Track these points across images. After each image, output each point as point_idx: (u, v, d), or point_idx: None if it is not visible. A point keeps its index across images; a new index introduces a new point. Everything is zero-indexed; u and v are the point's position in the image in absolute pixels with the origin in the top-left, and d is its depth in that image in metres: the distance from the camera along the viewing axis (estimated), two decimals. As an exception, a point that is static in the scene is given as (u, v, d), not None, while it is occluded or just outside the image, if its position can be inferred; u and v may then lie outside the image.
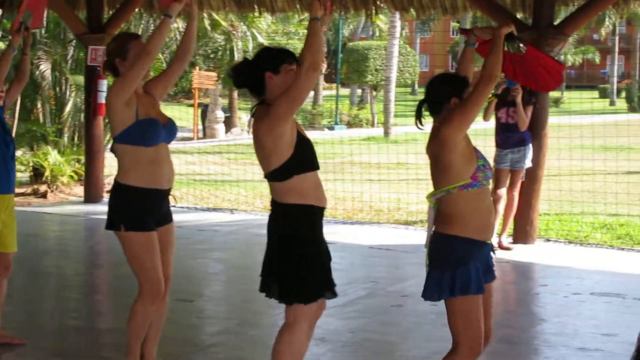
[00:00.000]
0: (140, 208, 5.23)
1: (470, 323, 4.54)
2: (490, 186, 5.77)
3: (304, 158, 4.77)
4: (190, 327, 7.06)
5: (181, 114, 28.46)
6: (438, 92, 4.70)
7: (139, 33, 18.75)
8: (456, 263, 4.51)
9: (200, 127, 33.55)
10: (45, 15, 6.49)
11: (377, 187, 16.64)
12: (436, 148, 4.59)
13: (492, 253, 4.77)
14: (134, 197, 5.21)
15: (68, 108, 16.26)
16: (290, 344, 4.81)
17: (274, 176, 4.74)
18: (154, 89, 5.43)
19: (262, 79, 4.75)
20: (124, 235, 5.23)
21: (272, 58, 4.80)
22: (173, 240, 5.53)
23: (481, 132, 9.93)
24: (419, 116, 4.82)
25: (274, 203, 4.84)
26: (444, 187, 4.58)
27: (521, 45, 5.39)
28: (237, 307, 7.93)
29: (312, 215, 4.80)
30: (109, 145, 5.41)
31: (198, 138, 32.05)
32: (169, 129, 5.35)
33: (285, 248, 4.76)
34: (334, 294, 4.87)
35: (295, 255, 4.75)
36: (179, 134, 25.72)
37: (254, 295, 8.21)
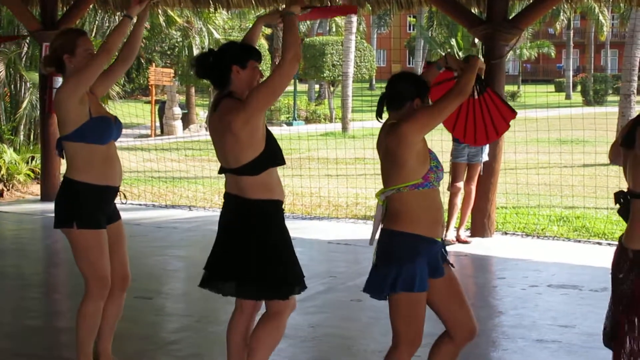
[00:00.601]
0: (93, 206, 5.21)
1: (411, 320, 4.56)
2: (444, 184, 5.72)
3: (274, 151, 4.82)
4: (149, 325, 7.04)
5: (138, 111, 28.28)
6: (403, 89, 4.68)
7: (94, 30, 18.64)
8: (403, 259, 4.51)
9: (157, 124, 33.41)
10: None
11: (335, 182, 16.68)
12: (393, 144, 4.57)
13: (443, 250, 4.76)
14: (87, 195, 5.18)
15: (24, 105, 16.13)
16: (274, 332, 4.90)
17: (247, 170, 4.73)
18: (95, 88, 5.38)
19: (229, 72, 4.78)
20: (75, 233, 5.19)
21: (241, 53, 4.84)
22: (125, 236, 5.52)
23: (438, 126, 9.96)
24: (380, 111, 4.81)
25: (236, 199, 4.81)
26: (394, 185, 4.57)
27: (483, 87, 5.38)
28: (196, 304, 7.90)
29: (279, 209, 4.87)
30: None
31: (155, 135, 31.92)
32: (118, 126, 5.35)
33: (260, 245, 4.77)
34: (304, 287, 4.96)
35: (271, 250, 4.78)
36: (137, 131, 25.60)
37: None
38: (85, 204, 5.18)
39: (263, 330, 4.89)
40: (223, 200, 4.99)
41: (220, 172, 4.94)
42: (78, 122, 5.11)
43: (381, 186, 4.70)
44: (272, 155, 4.79)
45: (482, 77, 5.33)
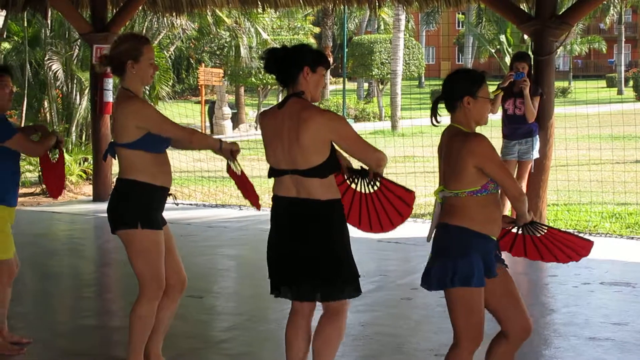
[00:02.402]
0: (152, 206, 5.23)
1: (470, 316, 4.54)
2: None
3: (335, 157, 4.89)
4: (200, 323, 7.09)
5: (188, 111, 28.43)
6: (452, 90, 4.66)
7: (143, 32, 18.78)
8: (457, 253, 4.51)
9: (207, 124, 33.58)
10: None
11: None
12: (454, 152, 4.55)
13: (497, 251, 4.74)
14: (147, 194, 5.20)
15: (83, 105, 16.32)
16: (338, 332, 4.95)
17: (316, 172, 4.77)
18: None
19: (299, 71, 4.82)
20: (137, 233, 5.18)
21: (315, 57, 4.89)
22: (174, 239, 5.56)
23: (487, 123, 9.92)
24: (434, 113, 4.78)
25: (302, 201, 4.82)
26: (453, 190, 4.57)
27: (540, 228, 5.06)
28: (247, 302, 7.94)
29: (343, 208, 4.93)
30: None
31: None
32: None
33: (334, 244, 4.85)
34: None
35: (343, 249, 4.89)
36: (187, 131, 25.27)
37: (263, 290, 8.21)
38: (146, 204, 5.20)
39: (327, 333, 4.92)
40: (276, 204, 4.97)
41: (275, 174, 4.93)
42: (137, 135, 5.13)
43: (431, 184, 4.71)
44: (336, 161, 4.87)
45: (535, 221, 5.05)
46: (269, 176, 4.97)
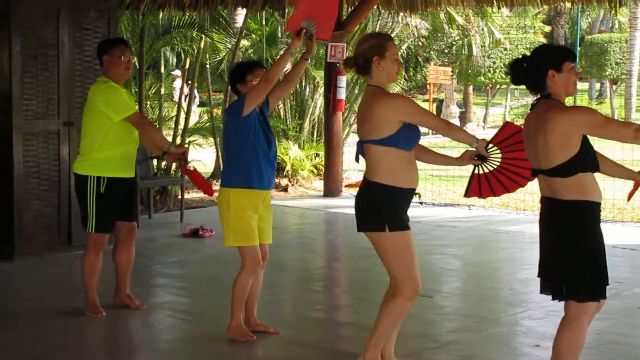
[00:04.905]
0: (400, 208, 5.24)
1: None
2: None
3: (588, 156, 4.77)
4: (429, 323, 7.05)
5: (417, 110, 28.36)
6: None
7: (376, 30, 18.92)
8: None
9: (435, 122, 33.49)
10: (332, 29, 7.13)
11: (620, 184, 16.04)
12: None
13: None
14: (396, 198, 5.20)
15: (317, 103, 16.61)
16: (572, 338, 4.85)
17: (557, 171, 4.74)
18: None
19: (545, 77, 4.82)
20: (386, 236, 5.20)
21: (556, 57, 4.87)
22: None
23: None
24: None
25: (549, 201, 4.84)
26: None
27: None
28: (476, 304, 7.83)
29: (593, 211, 4.81)
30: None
31: (433, 133, 32.04)
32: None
33: (567, 245, 4.79)
34: (603, 295, 4.91)
35: (584, 252, 4.78)
36: (416, 130, 25.27)
37: (492, 292, 8.16)
38: (395, 208, 5.21)
39: (561, 340, 4.87)
40: (540, 203, 5.02)
41: (534, 174, 4.98)
42: (395, 128, 5.15)
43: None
44: (585, 160, 4.74)
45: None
46: (531, 175, 5.03)
